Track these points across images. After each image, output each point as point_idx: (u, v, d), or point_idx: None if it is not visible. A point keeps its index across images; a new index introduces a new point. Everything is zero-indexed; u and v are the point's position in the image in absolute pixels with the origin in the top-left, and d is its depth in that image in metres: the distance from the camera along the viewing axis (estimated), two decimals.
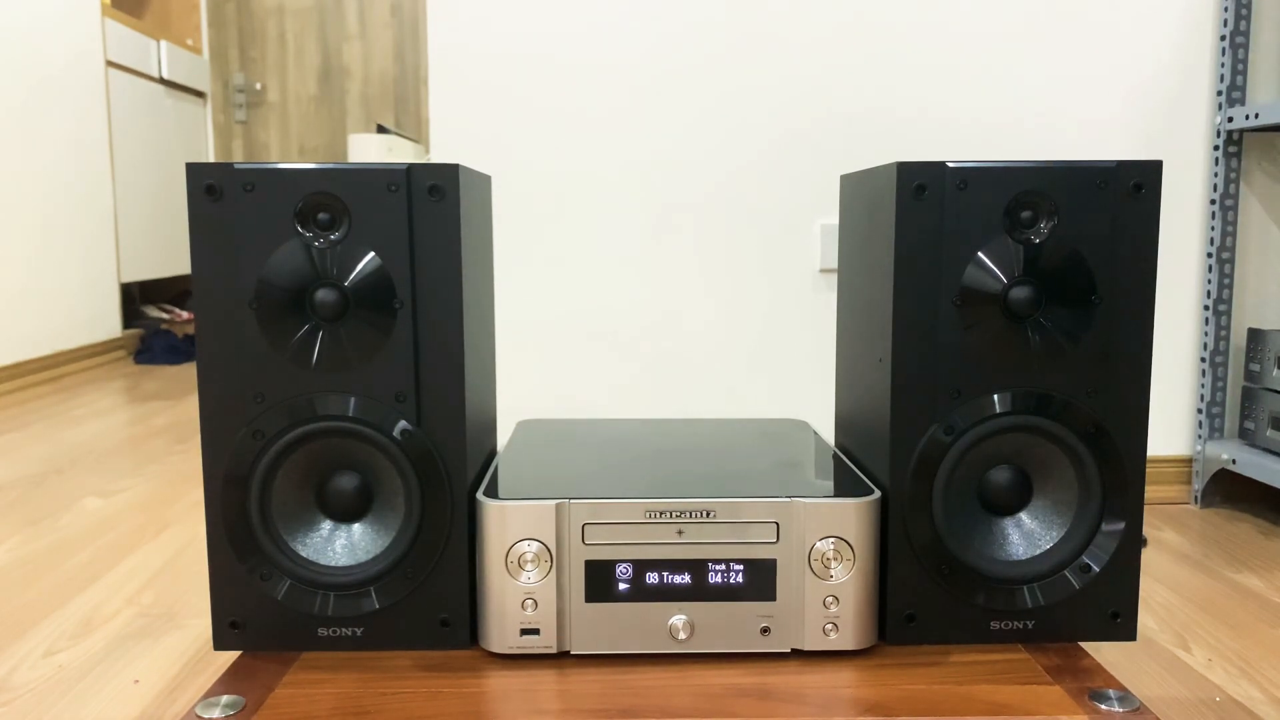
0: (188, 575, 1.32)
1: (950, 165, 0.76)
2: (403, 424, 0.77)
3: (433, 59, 1.55)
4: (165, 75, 3.81)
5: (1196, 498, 1.65)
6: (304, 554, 0.78)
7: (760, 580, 0.78)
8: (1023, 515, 0.81)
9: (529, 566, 0.77)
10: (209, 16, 4.25)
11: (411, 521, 0.77)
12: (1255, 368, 1.57)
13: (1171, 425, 1.66)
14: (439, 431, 0.77)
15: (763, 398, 1.63)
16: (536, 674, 0.76)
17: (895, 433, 0.79)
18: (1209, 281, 1.60)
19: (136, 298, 3.73)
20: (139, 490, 1.76)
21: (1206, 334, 1.61)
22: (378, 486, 0.79)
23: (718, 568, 0.78)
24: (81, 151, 3.20)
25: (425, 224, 0.76)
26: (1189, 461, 1.66)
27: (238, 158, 4.30)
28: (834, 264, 1.60)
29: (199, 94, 4.18)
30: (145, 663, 1.06)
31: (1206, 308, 1.61)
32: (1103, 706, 0.71)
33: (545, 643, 0.77)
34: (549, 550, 0.77)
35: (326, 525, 0.79)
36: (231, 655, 0.82)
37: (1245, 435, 1.60)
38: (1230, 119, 1.56)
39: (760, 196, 1.60)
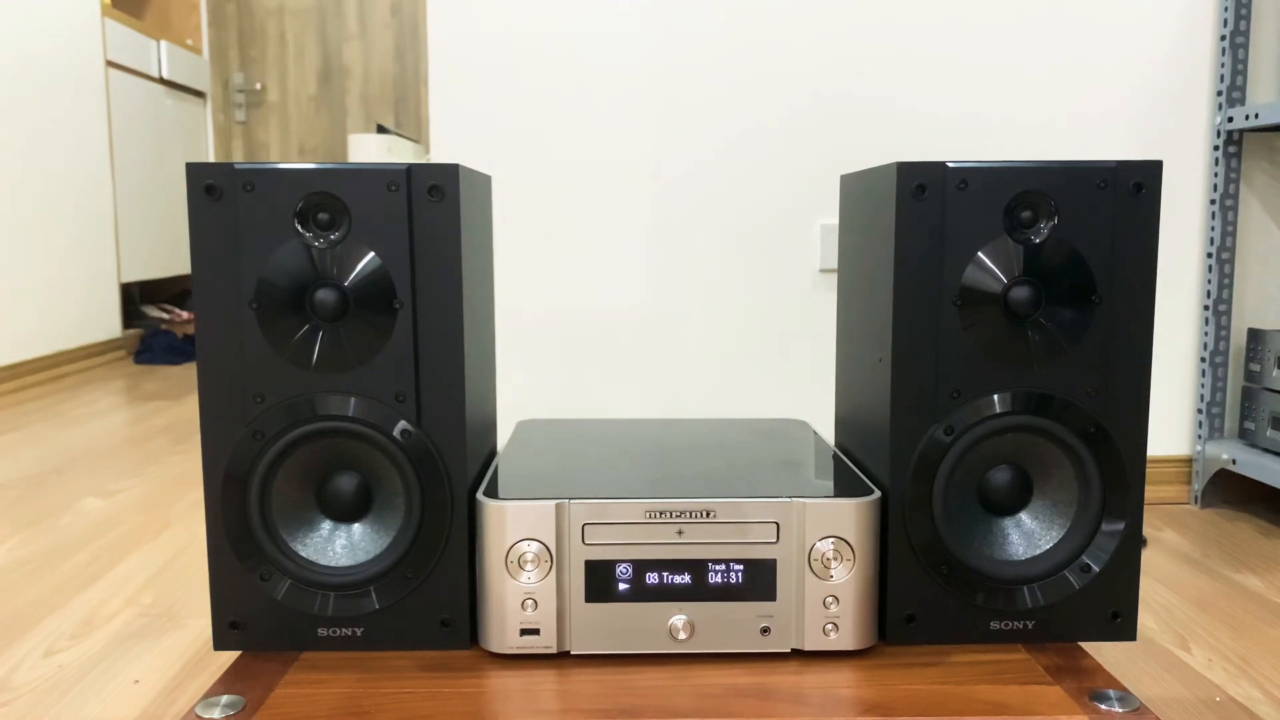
0: (188, 575, 1.32)
1: (950, 165, 0.76)
2: (403, 424, 0.77)
3: (433, 59, 1.55)
4: (165, 75, 3.81)
5: (1196, 498, 1.65)
6: (304, 554, 0.78)
7: (760, 580, 0.78)
8: (1023, 515, 0.81)
9: (529, 566, 0.77)
10: (209, 16, 4.25)
11: (411, 522, 0.77)
12: (1255, 368, 1.57)
13: (1171, 425, 1.66)
14: (439, 431, 0.77)
15: (763, 398, 1.63)
16: (536, 674, 0.76)
17: (895, 433, 0.79)
18: (1209, 281, 1.60)
19: (136, 298, 3.73)
20: (139, 490, 1.76)
21: (1206, 334, 1.61)
22: (378, 486, 0.79)
23: (718, 568, 0.78)
24: (81, 151, 3.20)
25: (425, 224, 0.76)
26: (1189, 461, 1.66)
27: (238, 158, 4.30)
28: (834, 264, 1.60)
29: (199, 94, 4.18)
30: (145, 663, 1.06)
31: (1206, 308, 1.61)
32: (1103, 706, 0.71)
33: (545, 643, 0.77)
34: (549, 550, 0.77)
35: (326, 525, 0.79)
36: (231, 655, 0.82)
37: (1245, 435, 1.60)
38: (1230, 119, 1.56)
39: (760, 196, 1.60)
